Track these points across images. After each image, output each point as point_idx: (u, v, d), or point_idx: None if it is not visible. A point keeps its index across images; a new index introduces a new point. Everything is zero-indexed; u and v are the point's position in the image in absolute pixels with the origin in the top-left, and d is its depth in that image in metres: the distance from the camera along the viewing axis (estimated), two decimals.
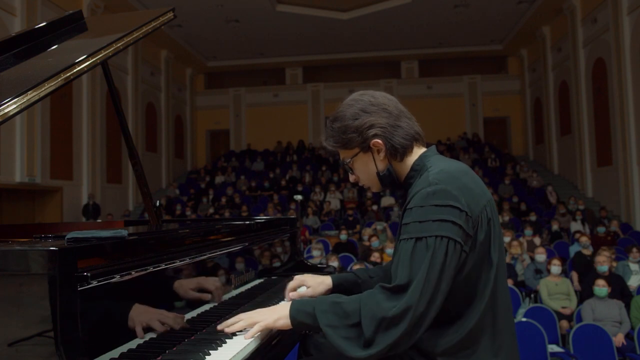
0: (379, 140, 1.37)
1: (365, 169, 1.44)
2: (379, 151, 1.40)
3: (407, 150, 1.39)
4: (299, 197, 6.68)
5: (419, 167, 1.39)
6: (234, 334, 1.39)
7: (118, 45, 1.86)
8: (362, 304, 1.22)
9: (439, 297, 1.20)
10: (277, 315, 1.35)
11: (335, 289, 1.67)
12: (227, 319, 1.51)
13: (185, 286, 1.49)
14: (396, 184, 1.44)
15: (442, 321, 1.28)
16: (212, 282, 1.66)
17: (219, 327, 1.41)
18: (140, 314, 1.26)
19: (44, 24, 2.04)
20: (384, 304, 1.19)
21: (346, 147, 1.42)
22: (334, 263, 5.73)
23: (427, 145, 1.47)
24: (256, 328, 1.35)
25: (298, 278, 1.69)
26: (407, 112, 1.45)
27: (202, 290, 1.58)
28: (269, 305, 1.71)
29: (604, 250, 5.49)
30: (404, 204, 1.38)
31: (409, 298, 1.17)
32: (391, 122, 1.38)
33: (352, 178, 1.51)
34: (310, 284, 1.66)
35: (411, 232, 1.23)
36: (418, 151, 1.42)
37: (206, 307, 1.59)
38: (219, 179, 15.33)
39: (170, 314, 1.38)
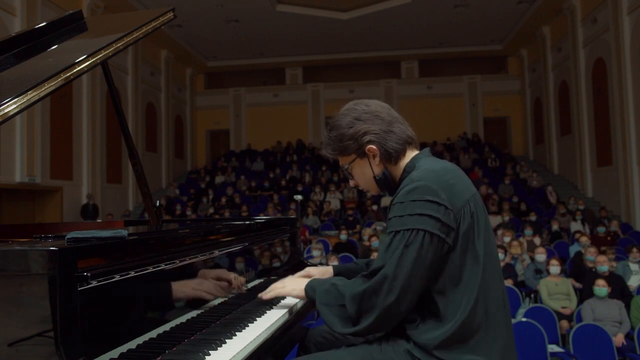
0: (374, 146, 1.46)
1: (363, 174, 1.53)
2: (374, 156, 1.48)
3: (400, 154, 1.47)
4: (299, 197, 6.68)
5: (410, 169, 1.45)
6: (233, 334, 1.40)
7: (118, 45, 1.86)
8: (347, 288, 1.37)
9: (413, 285, 1.28)
10: (294, 286, 1.60)
11: (336, 275, 1.81)
12: (228, 318, 1.52)
13: (185, 286, 1.49)
14: (392, 186, 1.52)
15: (434, 314, 1.33)
16: (212, 282, 1.66)
17: (259, 295, 1.69)
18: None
19: (44, 24, 2.04)
20: (362, 285, 1.33)
21: (343, 154, 1.52)
22: (334, 263, 5.74)
23: (422, 147, 1.54)
24: (272, 292, 1.64)
25: (305, 271, 1.83)
26: (400, 117, 1.52)
27: (202, 290, 1.58)
28: (267, 305, 1.74)
29: (599, 250, 5.50)
30: None
31: (384, 270, 1.29)
32: (384, 128, 1.46)
33: (352, 183, 1.61)
34: (314, 274, 1.80)
35: (392, 226, 1.33)
36: (411, 154, 1.50)
37: (206, 307, 1.59)
38: (219, 179, 15.32)
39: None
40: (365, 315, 1.32)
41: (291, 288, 1.60)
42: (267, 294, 1.65)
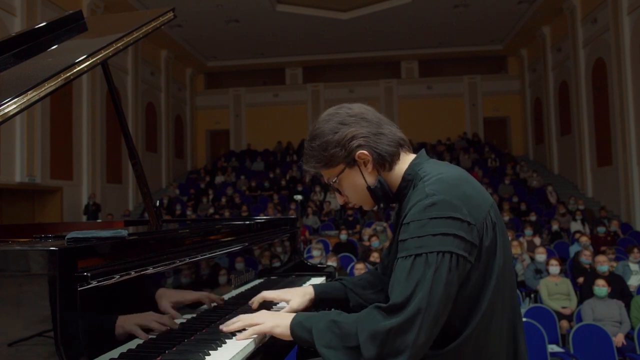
0: (364, 151, 1.29)
1: (354, 186, 1.35)
2: (365, 163, 1.31)
3: (394, 157, 1.32)
4: (299, 197, 6.69)
5: (411, 177, 1.31)
6: (233, 334, 1.39)
7: (118, 45, 1.85)
8: (359, 325, 1.14)
9: (440, 315, 1.12)
10: (276, 322, 1.32)
11: (318, 296, 1.59)
12: (228, 319, 1.51)
13: (185, 286, 1.49)
14: (389, 196, 1.35)
15: (445, 331, 1.20)
16: (211, 283, 1.66)
17: (221, 327, 1.41)
18: (134, 318, 1.25)
19: (44, 24, 2.04)
20: (383, 322, 1.12)
21: (329, 166, 1.34)
22: (334, 263, 5.74)
23: (415, 150, 1.39)
24: (250, 331, 1.33)
25: (273, 295, 1.58)
26: (387, 119, 1.37)
27: (202, 290, 1.58)
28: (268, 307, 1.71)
29: (598, 251, 5.50)
30: (398, 217, 1.31)
31: (416, 304, 1.09)
32: (373, 130, 1.30)
33: (340, 199, 1.43)
34: (290, 298, 1.56)
35: (409, 248, 1.14)
36: (406, 158, 1.35)
37: (206, 307, 1.59)
38: (219, 179, 15.33)
39: (164, 316, 1.34)
40: (392, 352, 1.10)
41: (274, 324, 1.31)
42: (232, 326, 1.37)
